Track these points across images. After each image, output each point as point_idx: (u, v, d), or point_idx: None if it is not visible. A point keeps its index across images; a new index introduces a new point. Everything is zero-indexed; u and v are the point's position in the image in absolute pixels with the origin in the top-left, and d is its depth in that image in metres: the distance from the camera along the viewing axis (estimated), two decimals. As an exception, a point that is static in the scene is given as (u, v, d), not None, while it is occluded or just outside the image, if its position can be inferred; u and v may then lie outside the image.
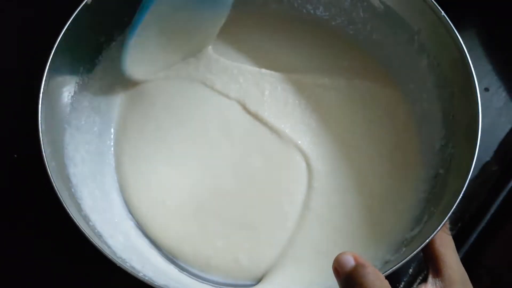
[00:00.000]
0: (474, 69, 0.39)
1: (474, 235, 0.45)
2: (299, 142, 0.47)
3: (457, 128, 0.41)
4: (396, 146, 0.46)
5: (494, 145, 0.49)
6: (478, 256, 0.37)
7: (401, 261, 0.35)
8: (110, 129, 0.47)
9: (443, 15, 0.42)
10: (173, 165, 0.46)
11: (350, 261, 0.31)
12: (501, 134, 0.50)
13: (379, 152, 0.46)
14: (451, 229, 0.45)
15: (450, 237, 0.38)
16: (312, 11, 0.50)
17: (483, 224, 0.46)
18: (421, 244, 0.35)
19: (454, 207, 0.35)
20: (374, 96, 0.48)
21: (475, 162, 0.37)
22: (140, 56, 0.45)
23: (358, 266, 0.31)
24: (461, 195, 0.36)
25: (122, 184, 0.46)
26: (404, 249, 0.38)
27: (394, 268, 0.34)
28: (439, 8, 0.42)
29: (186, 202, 0.45)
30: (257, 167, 0.46)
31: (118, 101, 0.48)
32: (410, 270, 0.44)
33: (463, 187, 0.36)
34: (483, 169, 0.48)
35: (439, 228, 0.35)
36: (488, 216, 0.46)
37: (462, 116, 0.41)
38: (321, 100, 0.48)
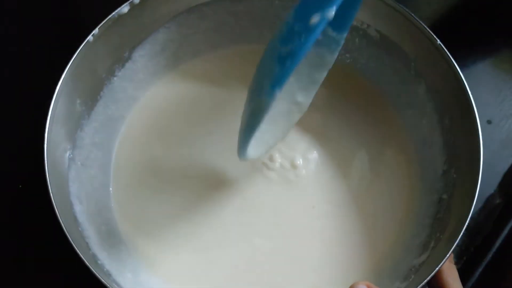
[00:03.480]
0: (476, 102, 0.40)
1: (480, 269, 0.46)
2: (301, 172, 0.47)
3: (458, 154, 0.42)
4: (397, 171, 0.47)
5: (497, 178, 0.49)
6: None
7: (412, 290, 0.35)
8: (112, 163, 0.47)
9: (439, 44, 0.43)
10: (171, 197, 0.46)
11: None
12: (505, 166, 0.50)
13: (379, 178, 0.47)
14: (456, 263, 0.45)
15: (455, 267, 0.39)
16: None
17: (488, 257, 0.46)
18: (432, 272, 0.35)
19: (462, 233, 0.36)
20: (373, 122, 0.49)
21: (479, 195, 0.37)
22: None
23: None
24: (467, 222, 0.36)
25: (122, 220, 0.45)
26: (413, 276, 0.39)
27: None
28: (435, 36, 0.43)
29: (186, 238, 0.45)
30: (253, 195, 0.46)
31: (118, 135, 0.48)
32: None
33: (468, 213, 0.37)
34: (487, 202, 0.48)
35: (448, 255, 0.35)
36: (493, 249, 0.46)
37: (462, 142, 0.42)
38: (321, 129, 0.49)
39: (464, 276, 0.45)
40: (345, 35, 0.41)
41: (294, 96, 0.43)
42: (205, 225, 0.45)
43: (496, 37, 0.57)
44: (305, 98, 0.43)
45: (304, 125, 0.49)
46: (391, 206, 0.45)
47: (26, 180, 0.48)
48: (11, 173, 0.49)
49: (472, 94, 0.41)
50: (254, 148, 0.41)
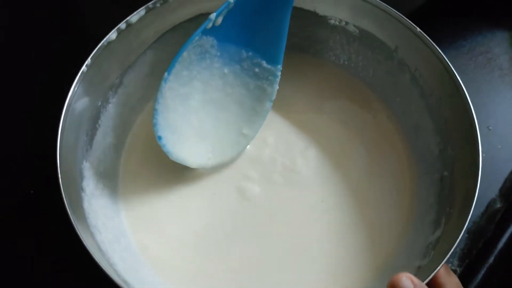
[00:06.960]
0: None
1: (482, 272, 0.47)
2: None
3: (452, 132, 0.44)
4: (394, 158, 0.49)
5: (498, 183, 0.51)
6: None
7: (437, 268, 0.36)
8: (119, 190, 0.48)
9: (419, 31, 0.45)
10: (180, 216, 0.47)
11: (409, 285, 0.33)
12: (505, 171, 0.51)
13: (379, 167, 0.48)
14: (459, 266, 0.47)
15: (455, 277, 0.40)
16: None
17: (490, 261, 0.48)
18: (451, 248, 0.37)
19: (473, 208, 0.38)
20: (364, 114, 0.51)
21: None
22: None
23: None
24: (476, 194, 0.38)
25: (140, 245, 0.46)
26: (432, 252, 0.40)
27: (431, 275, 0.36)
28: (414, 25, 0.45)
29: (200, 247, 0.45)
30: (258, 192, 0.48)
31: (120, 162, 0.48)
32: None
33: (476, 184, 0.38)
34: (488, 206, 0.50)
35: (464, 227, 0.37)
36: (495, 253, 0.48)
37: (455, 119, 0.44)
38: (316, 128, 0.51)
39: (466, 279, 0.47)
40: (279, 66, 0.47)
41: (241, 129, 0.48)
42: (215, 231, 0.46)
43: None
44: (250, 130, 0.49)
45: (299, 125, 0.51)
46: (395, 192, 0.47)
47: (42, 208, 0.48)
48: (25, 204, 0.49)
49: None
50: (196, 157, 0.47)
